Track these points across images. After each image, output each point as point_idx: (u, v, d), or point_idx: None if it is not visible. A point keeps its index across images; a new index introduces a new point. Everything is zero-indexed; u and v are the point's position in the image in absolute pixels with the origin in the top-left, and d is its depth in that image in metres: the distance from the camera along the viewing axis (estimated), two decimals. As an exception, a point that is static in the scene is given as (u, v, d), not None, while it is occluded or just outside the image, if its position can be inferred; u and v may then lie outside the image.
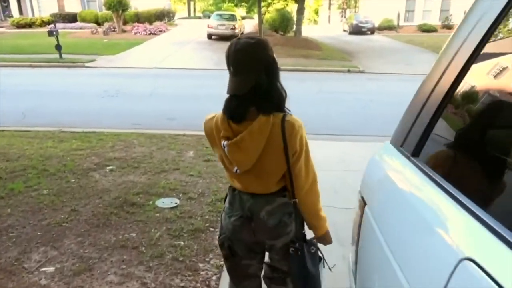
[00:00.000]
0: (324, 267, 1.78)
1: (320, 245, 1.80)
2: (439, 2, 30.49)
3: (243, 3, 19.77)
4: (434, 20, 29.96)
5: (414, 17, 30.85)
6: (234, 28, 21.18)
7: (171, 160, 5.41)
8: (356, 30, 27.77)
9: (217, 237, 1.87)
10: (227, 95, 1.54)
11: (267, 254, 1.86)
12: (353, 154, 5.91)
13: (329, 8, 47.76)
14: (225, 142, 1.51)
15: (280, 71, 1.59)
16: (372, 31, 27.97)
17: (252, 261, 1.81)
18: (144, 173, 4.86)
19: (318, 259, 1.75)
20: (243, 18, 28.75)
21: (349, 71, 14.69)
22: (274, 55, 1.55)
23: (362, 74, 14.51)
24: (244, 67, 1.46)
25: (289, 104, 1.60)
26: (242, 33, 23.36)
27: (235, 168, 1.57)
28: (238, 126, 1.50)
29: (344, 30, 30.81)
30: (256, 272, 1.86)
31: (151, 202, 3.99)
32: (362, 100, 10.14)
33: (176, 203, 3.96)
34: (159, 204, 3.93)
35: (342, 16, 45.85)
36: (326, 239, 1.77)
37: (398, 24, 29.66)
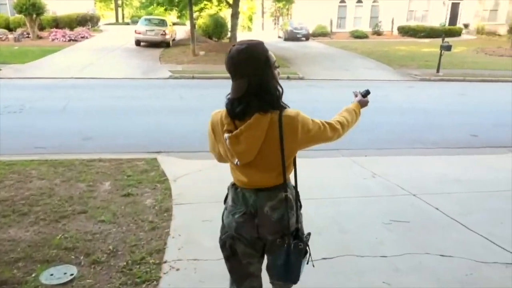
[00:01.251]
0: (307, 262, 1.81)
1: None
2: (369, 9, 31.31)
3: (173, 7, 18.46)
4: (364, 26, 30.67)
5: (346, 23, 31.36)
6: (164, 34, 19.76)
7: (77, 198, 4.12)
8: (291, 37, 27.53)
9: (218, 238, 1.86)
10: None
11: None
12: (318, 176, 4.95)
13: (262, 16, 47.75)
14: (227, 135, 1.62)
15: (275, 68, 1.66)
16: (307, 37, 27.89)
17: (253, 260, 1.83)
18: (35, 223, 3.54)
19: (304, 254, 1.77)
20: (174, 24, 27.37)
21: (288, 78, 14.01)
22: (269, 53, 1.63)
23: (302, 80, 13.90)
24: (236, 72, 1.60)
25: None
26: (173, 40, 22.01)
27: (236, 160, 1.65)
28: (241, 121, 1.62)
29: (279, 37, 30.55)
30: (256, 271, 1.89)
31: (33, 275, 2.72)
32: (306, 109, 9.24)
33: (72, 274, 2.73)
34: (45, 279, 2.67)
35: (275, 24, 46.01)
36: (362, 105, 2.05)
37: (331, 30, 29.95)
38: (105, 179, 4.69)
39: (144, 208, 3.92)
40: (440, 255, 3.17)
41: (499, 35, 30.30)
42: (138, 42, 20.10)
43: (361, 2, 31.06)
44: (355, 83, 13.57)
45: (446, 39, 15.97)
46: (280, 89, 1.66)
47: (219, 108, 1.71)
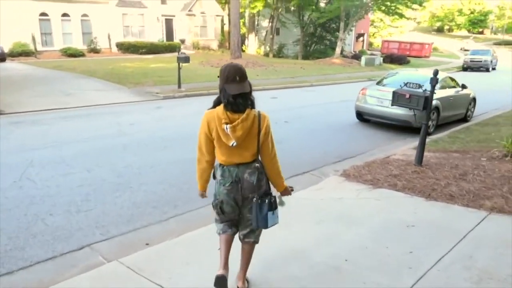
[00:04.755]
0: (273, 213, 2.72)
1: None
2: (79, 24, 27.14)
3: None
4: (78, 43, 26.36)
5: (53, 40, 26.10)
6: None
7: None
8: (-24, 58, 20.51)
9: (212, 201, 2.82)
10: (226, 97, 2.56)
11: None
12: None
13: None
14: (227, 126, 2.52)
15: None
16: (2, 57, 21.44)
17: (236, 213, 2.79)
18: None
19: (274, 207, 2.72)
20: None
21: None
22: None
23: (1, 116, 9.17)
24: (244, 77, 2.57)
25: None
26: None
27: (232, 142, 2.55)
28: (233, 115, 2.55)
29: (-42, 60, 22.56)
30: (237, 218, 2.87)
31: None
32: (14, 168, 5.34)
33: None
34: None
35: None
36: (287, 192, 2.87)
37: (35, 49, 24.27)
38: None
39: None
40: None
41: (213, 49, 32.26)
42: None
43: (68, 15, 26.56)
44: (86, 111, 9.98)
45: (167, 55, 14.38)
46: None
47: None
